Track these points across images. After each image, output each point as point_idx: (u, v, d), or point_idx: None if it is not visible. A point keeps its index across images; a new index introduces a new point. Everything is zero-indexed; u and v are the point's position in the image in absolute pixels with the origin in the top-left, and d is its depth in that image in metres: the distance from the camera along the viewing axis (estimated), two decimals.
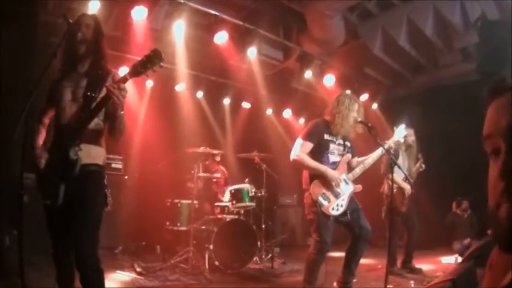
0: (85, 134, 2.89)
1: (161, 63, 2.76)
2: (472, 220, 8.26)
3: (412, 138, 6.30)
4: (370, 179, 4.81)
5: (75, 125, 2.88)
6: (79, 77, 3.02)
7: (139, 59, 2.74)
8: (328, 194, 4.23)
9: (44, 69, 2.72)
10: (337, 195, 4.25)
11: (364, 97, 9.45)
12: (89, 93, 2.93)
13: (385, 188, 6.24)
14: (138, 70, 2.74)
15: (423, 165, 6.36)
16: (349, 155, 4.52)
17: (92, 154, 2.95)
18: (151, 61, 2.73)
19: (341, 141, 4.48)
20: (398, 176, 5.80)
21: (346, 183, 4.37)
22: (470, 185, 7.76)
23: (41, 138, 3.08)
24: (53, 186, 2.82)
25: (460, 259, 6.88)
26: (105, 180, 3.09)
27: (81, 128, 2.87)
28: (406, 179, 5.97)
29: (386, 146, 4.49)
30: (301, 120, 11.07)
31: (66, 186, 2.83)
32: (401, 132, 4.85)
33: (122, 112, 2.88)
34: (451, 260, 7.37)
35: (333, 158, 4.41)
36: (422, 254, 6.75)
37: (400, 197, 6.05)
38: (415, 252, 6.47)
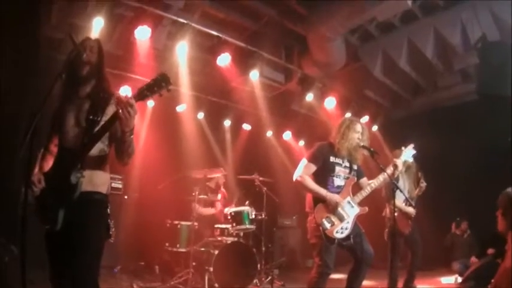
0: (89, 160, 2.77)
1: (169, 88, 2.64)
2: (471, 241, 8.27)
3: (411, 160, 6.26)
4: (372, 202, 4.77)
5: (77, 149, 2.76)
6: (81, 101, 2.92)
7: (140, 78, 2.67)
8: (332, 217, 4.17)
9: (50, 89, 2.66)
10: (341, 219, 4.18)
11: (364, 119, 9.45)
12: (91, 117, 2.81)
13: (387, 211, 6.20)
14: (144, 93, 2.63)
15: (424, 183, 6.29)
16: (355, 178, 4.46)
17: (94, 181, 2.82)
18: (159, 85, 2.61)
19: (347, 164, 4.44)
20: (399, 198, 5.77)
21: (351, 206, 4.29)
22: (470, 205, 7.73)
23: (45, 165, 2.97)
24: (51, 210, 2.70)
25: (459, 279, 6.89)
26: (108, 210, 2.93)
27: (84, 152, 2.74)
28: (406, 201, 5.94)
29: (393, 167, 4.44)
30: (301, 143, 11.08)
31: (67, 213, 2.70)
32: (410, 153, 4.72)
33: (132, 137, 2.75)
34: (450, 280, 7.40)
35: (337, 181, 4.36)
36: (422, 274, 6.70)
37: (403, 220, 6.00)
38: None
